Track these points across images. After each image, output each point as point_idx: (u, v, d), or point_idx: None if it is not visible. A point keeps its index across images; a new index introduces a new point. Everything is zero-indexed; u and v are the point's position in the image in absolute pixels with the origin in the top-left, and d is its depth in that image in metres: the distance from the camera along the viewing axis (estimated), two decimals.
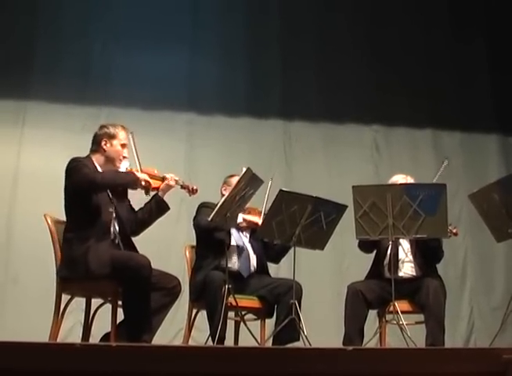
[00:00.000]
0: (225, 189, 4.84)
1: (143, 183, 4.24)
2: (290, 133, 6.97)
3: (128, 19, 6.73)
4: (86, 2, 6.70)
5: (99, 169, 4.23)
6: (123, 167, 4.30)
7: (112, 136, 4.26)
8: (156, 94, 6.63)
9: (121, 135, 4.28)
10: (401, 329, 4.46)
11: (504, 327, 4.73)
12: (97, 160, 4.24)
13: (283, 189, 4.54)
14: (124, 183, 4.25)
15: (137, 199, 4.44)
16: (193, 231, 4.89)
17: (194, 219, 4.85)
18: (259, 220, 4.76)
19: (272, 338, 4.61)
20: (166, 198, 4.45)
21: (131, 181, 4.23)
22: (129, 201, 4.41)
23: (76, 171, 4.11)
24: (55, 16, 6.63)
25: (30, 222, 5.66)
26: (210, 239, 4.70)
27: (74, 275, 4.03)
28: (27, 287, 5.89)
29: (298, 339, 4.50)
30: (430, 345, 4.51)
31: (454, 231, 4.80)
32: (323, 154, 7.00)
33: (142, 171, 4.29)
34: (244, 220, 4.82)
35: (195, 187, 4.52)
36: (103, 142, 4.25)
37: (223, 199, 4.40)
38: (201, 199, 4.90)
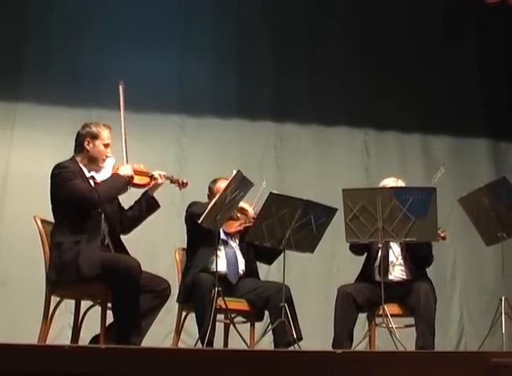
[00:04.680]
0: (210, 197, 4.81)
1: (133, 180, 4.26)
2: (281, 135, 6.97)
3: (119, 21, 6.71)
4: (76, 4, 6.67)
5: (85, 170, 4.21)
6: (109, 164, 4.27)
7: (95, 136, 4.22)
8: (147, 96, 6.61)
9: (104, 134, 4.24)
10: (390, 332, 4.47)
11: (493, 331, 4.75)
12: (81, 162, 4.23)
13: (273, 191, 4.54)
14: (119, 191, 4.24)
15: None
16: (183, 234, 4.88)
17: (186, 211, 4.80)
18: (249, 208, 4.74)
19: (273, 342, 4.60)
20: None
21: (124, 185, 4.23)
22: (118, 200, 4.39)
23: (64, 184, 4.08)
24: (45, 18, 6.59)
25: (20, 224, 5.65)
26: (199, 228, 4.60)
27: (65, 278, 4.02)
28: (16, 289, 5.86)
29: (295, 342, 4.49)
30: (420, 349, 4.52)
31: (442, 235, 4.82)
32: (314, 157, 7.00)
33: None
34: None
35: (185, 180, 4.51)
36: (86, 143, 4.22)
37: (213, 201, 4.39)
38: (192, 200, 4.89)
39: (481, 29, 7.51)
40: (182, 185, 4.50)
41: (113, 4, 6.74)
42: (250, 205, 4.80)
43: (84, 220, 4.08)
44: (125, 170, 4.25)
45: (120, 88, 4.33)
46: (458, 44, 7.47)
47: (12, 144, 6.35)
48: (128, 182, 4.25)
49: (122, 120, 4.32)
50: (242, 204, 4.73)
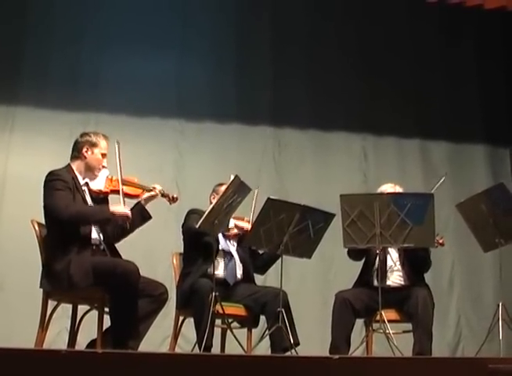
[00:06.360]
0: (213, 198, 4.83)
1: (121, 218, 4.20)
2: (280, 140, 6.97)
3: (117, 24, 6.71)
4: (75, 7, 6.66)
5: (79, 177, 4.22)
6: (103, 175, 4.29)
7: (93, 144, 4.26)
8: (145, 100, 6.61)
9: (102, 144, 4.28)
10: (387, 338, 4.46)
11: (491, 337, 4.75)
12: (77, 168, 4.24)
13: (271, 197, 4.54)
14: (95, 223, 4.19)
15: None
16: (181, 238, 4.88)
17: (183, 225, 4.84)
18: (249, 226, 4.76)
19: (270, 347, 4.60)
20: (154, 205, 4.45)
21: (104, 220, 4.19)
22: None
23: (50, 192, 4.09)
24: (43, 21, 6.58)
25: (17, 228, 5.64)
26: (198, 244, 4.68)
27: (58, 288, 4.03)
28: (13, 293, 5.85)
29: (292, 347, 4.49)
30: (417, 354, 4.52)
31: (440, 241, 4.81)
32: (312, 162, 7.00)
33: (123, 180, 4.27)
34: (236, 226, 4.82)
35: (175, 195, 4.51)
36: (85, 150, 4.25)
37: (211, 206, 4.40)
38: (190, 206, 4.90)
39: (479, 31, 7.51)
40: (172, 199, 4.50)
41: (111, 7, 6.74)
42: (246, 221, 4.87)
43: (75, 229, 4.08)
44: (119, 208, 4.20)
45: (116, 146, 4.33)
46: (456, 46, 7.47)
47: (10, 148, 6.34)
48: (112, 219, 4.20)
49: (119, 175, 4.29)
50: (241, 223, 4.81)
